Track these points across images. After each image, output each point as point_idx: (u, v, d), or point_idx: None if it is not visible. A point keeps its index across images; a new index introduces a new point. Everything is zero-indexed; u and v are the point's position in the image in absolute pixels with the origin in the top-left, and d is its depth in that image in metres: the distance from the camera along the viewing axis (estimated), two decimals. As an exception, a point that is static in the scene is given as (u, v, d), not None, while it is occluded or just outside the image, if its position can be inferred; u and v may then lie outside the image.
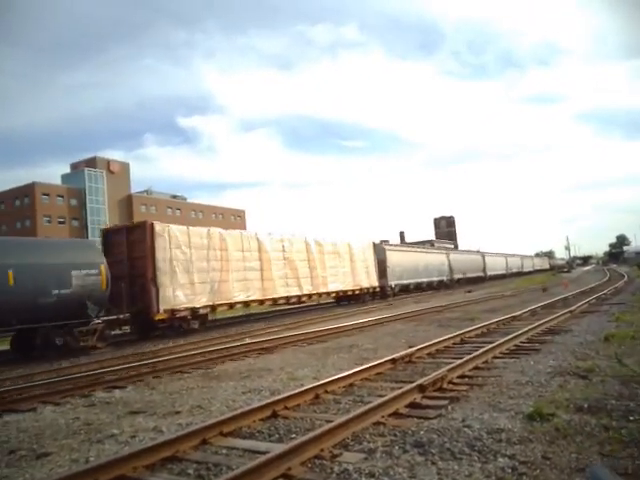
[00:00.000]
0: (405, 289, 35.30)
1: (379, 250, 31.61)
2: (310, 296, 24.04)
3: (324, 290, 24.95)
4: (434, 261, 41.50)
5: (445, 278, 42.49)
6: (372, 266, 29.68)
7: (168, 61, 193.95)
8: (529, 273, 75.21)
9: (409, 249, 40.58)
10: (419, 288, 37.41)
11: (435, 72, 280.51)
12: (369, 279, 29.13)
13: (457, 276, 45.01)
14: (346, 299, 28.29)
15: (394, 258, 33.28)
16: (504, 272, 63.52)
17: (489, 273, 55.17)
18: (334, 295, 27.10)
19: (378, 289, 30.11)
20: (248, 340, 13.41)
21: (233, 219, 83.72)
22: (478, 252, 57.94)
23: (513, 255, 75.59)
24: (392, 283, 32.15)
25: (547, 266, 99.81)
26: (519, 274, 69.57)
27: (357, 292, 27.97)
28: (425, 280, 38.51)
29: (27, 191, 63.61)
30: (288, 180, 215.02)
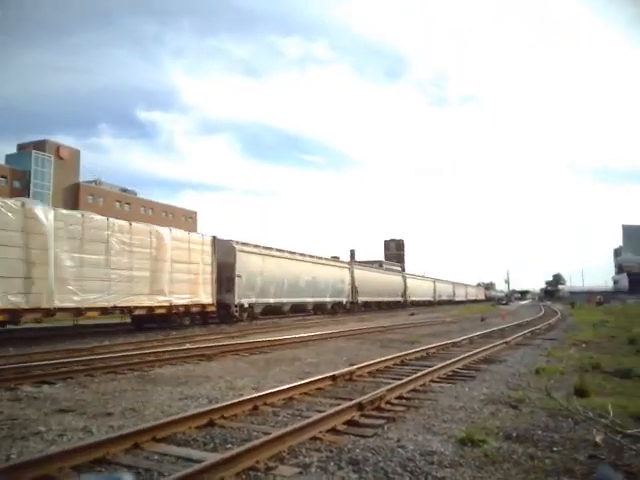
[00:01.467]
0: (275, 310, 26.88)
1: (224, 250, 22.04)
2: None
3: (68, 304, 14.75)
4: (331, 277, 32.93)
5: (345, 299, 34.95)
6: (207, 273, 20.60)
7: (135, 53, 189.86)
8: (460, 303, 70.56)
9: (281, 255, 27.55)
10: (299, 310, 29.19)
11: (399, 97, 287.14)
12: (196, 291, 19.86)
13: (362, 298, 37.40)
14: (148, 320, 18.76)
15: (253, 265, 24.00)
16: (430, 299, 58.28)
17: (411, 298, 49.96)
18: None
19: (214, 308, 21.13)
20: (189, 345, 13.15)
21: (184, 220, 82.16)
22: (400, 273, 54.41)
23: (444, 281, 69.87)
24: (244, 301, 22.77)
25: (482, 297, 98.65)
26: (449, 303, 65.19)
27: (163, 311, 18.39)
28: (310, 300, 29.67)
29: (-34, 168, 60.25)
30: (245, 187, 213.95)
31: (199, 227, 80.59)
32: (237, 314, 22.61)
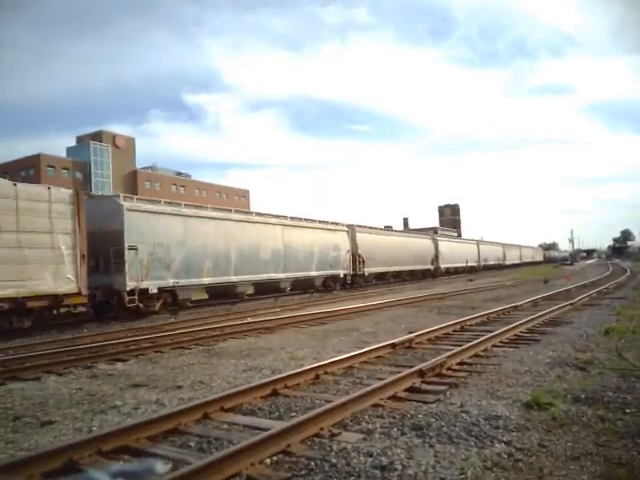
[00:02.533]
0: (224, 292, 20.11)
1: (106, 211, 15.52)
2: None
3: None
4: (317, 244, 25.14)
5: (343, 272, 27.12)
6: (63, 246, 13.36)
7: (176, 37, 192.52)
8: (513, 267, 62.75)
9: (224, 217, 20.37)
10: (268, 290, 22.22)
11: (445, 58, 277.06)
12: (36, 275, 12.71)
13: (371, 269, 29.89)
14: None
15: (165, 231, 16.84)
16: (472, 264, 49.07)
17: (445, 265, 41.86)
18: None
19: (81, 299, 13.86)
20: (250, 319, 13.52)
21: (237, 199, 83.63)
22: (429, 235, 43.22)
23: (491, 242, 61.98)
24: (148, 285, 15.72)
25: (540, 258, 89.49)
26: (498, 268, 56.72)
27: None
28: (281, 276, 22.26)
29: (32, 162, 63.57)
30: (293, 162, 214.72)
31: (252, 205, 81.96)
32: (137, 304, 15.20)
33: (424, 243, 40.18)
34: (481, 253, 53.23)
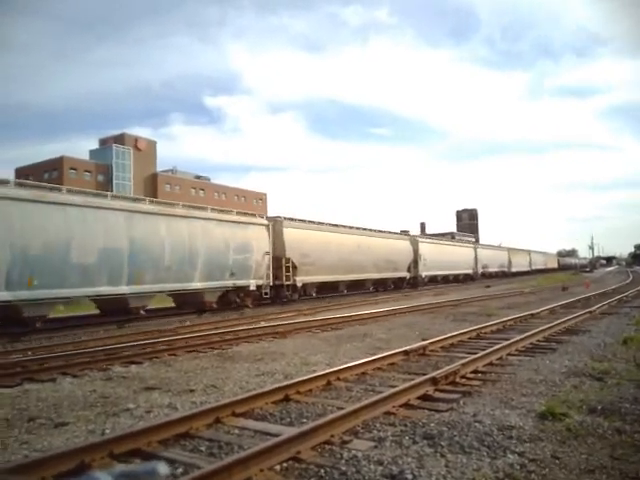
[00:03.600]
0: None
1: None
2: None
3: None
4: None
5: (256, 283, 19.17)
6: None
7: (197, 39, 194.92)
8: (523, 275, 56.23)
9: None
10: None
11: (466, 59, 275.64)
12: None
13: (306, 279, 22.23)
14: None
15: None
16: (469, 271, 42.68)
17: (425, 273, 34.14)
18: None
19: None
20: (263, 323, 13.55)
21: (255, 202, 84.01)
22: (408, 237, 35.02)
23: (493, 247, 55.56)
24: None
25: (553, 265, 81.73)
26: (502, 275, 50.88)
27: None
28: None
29: (55, 165, 64.60)
30: (312, 165, 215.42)
31: (269, 208, 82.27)
32: None
33: (398, 245, 31.73)
34: (479, 258, 45.05)
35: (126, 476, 0.52)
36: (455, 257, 40.37)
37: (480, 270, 45.24)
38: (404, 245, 32.68)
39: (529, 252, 68.26)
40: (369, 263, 27.42)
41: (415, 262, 33.27)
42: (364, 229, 28.93)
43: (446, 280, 38.75)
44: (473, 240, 69.43)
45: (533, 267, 66.57)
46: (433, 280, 36.50)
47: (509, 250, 57.61)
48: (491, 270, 48.69)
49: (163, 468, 0.49)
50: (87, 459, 3.74)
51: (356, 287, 27.48)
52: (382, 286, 29.93)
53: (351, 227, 27.84)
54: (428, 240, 39.35)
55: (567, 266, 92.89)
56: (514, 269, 56.15)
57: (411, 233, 41.09)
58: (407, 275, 32.41)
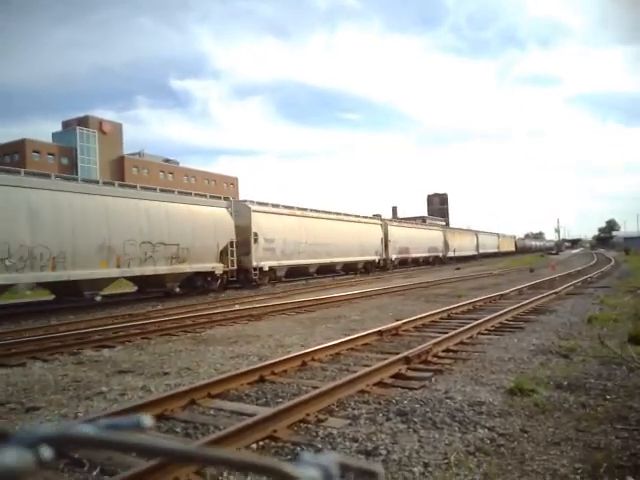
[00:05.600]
0: None
1: None
2: None
3: None
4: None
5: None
6: None
7: (163, 22, 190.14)
8: (464, 259, 47.00)
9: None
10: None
11: (434, 47, 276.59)
12: None
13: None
14: None
15: None
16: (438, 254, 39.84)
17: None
18: None
19: None
20: (238, 307, 13.51)
21: (225, 186, 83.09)
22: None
23: (424, 227, 45.56)
24: None
25: (510, 248, 73.14)
26: (434, 262, 41.00)
27: None
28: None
29: (17, 148, 62.48)
30: (283, 150, 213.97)
31: (240, 193, 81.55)
32: None
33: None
34: (393, 239, 34.55)
35: (111, 427, 0.52)
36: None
37: (395, 256, 34.68)
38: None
39: (476, 233, 57.09)
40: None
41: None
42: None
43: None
44: (443, 224, 68.76)
45: (483, 250, 56.34)
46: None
47: (444, 231, 47.08)
48: (421, 255, 39.61)
49: (147, 420, 0.49)
50: (60, 442, 3.70)
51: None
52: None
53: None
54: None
55: (527, 249, 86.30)
56: (451, 253, 45.44)
57: (383, 217, 41.26)
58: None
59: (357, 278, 26.70)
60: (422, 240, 39.60)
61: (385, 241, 32.91)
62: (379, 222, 33.94)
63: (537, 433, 3.92)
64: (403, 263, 36.14)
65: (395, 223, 38.45)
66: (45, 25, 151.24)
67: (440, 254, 43.39)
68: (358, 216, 31.90)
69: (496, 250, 63.63)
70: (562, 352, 6.72)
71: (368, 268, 31.16)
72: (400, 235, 35.45)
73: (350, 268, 29.45)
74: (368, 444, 3.74)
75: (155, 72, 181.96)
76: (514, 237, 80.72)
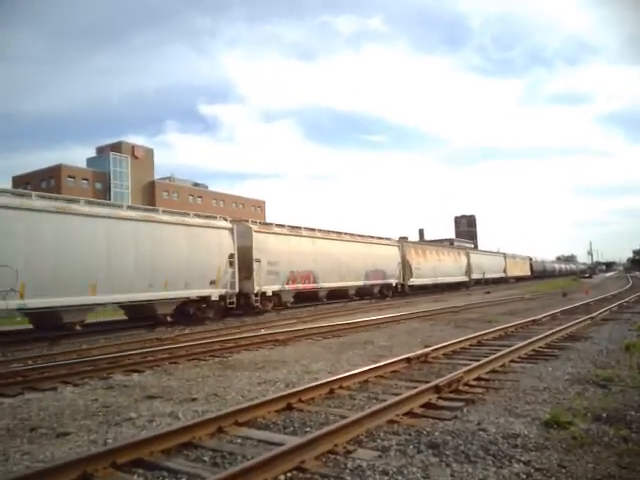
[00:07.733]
0: None
1: None
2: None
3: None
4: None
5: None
6: None
7: (191, 49, 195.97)
8: (453, 286, 38.45)
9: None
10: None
11: (460, 67, 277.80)
12: None
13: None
14: None
15: None
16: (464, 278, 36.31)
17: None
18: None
19: None
20: (264, 331, 13.50)
21: (253, 209, 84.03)
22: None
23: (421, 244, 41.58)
24: None
25: (526, 272, 62.59)
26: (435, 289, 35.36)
27: None
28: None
29: (53, 173, 64.61)
30: (309, 172, 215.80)
31: (267, 215, 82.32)
32: None
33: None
34: (412, 262, 32.14)
35: None
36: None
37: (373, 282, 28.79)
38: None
39: (466, 252, 44.82)
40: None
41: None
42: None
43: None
44: (472, 247, 66.91)
45: (488, 275, 47.13)
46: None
47: (438, 249, 38.71)
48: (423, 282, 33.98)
49: None
50: (89, 469, 3.71)
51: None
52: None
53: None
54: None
55: (548, 273, 75.43)
56: (441, 279, 36.31)
57: (409, 239, 40.12)
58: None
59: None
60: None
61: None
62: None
63: (576, 469, 3.75)
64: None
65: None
66: (79, 53, 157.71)
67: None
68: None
69: (502, 275, 52.15)
70: (599, 382, 6.47)
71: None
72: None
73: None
74: (399, 478, 3.63)
75: (184, 97, 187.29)
76: (529, 258, 69.18)
